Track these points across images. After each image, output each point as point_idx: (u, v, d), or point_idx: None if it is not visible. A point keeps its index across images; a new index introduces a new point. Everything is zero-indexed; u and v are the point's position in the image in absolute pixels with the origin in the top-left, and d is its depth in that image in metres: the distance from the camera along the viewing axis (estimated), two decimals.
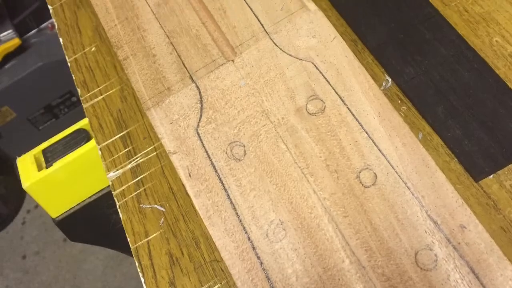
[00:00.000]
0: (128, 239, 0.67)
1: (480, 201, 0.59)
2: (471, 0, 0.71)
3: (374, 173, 0.60)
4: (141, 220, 0.67)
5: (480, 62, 0.67)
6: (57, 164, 0.95)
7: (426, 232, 0.57)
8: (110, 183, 0.70)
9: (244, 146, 0.64)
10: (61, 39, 0.84)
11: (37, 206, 2.39)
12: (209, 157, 0.65)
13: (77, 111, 2.12)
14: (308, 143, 0.63)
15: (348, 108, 0.64)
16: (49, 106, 2.03)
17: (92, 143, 0.96)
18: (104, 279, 2.17)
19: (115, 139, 0.73)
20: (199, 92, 0.68)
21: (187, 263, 0.64)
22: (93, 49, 0.81)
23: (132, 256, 0.67)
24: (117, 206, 0.69)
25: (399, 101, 0.66)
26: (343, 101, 0.64)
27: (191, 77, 0.70)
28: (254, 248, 0.59)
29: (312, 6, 0.72)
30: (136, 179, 0.69)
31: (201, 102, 0.68)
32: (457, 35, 0.69)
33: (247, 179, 0.62)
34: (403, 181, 0.59)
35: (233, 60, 0.70)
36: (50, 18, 1.50)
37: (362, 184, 0.60)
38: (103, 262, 2.21)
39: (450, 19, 0.71)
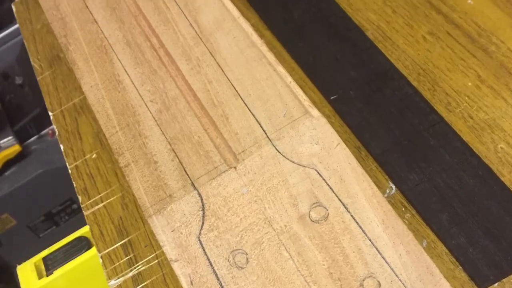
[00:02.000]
0: None
1: None
2: (476, 107, 0.74)
3: (378, 281, 0.61)
4: None
5: (484, 169, 0.68)
6: (58, 272, 0.96)
7: None
8: None
9: (247, 254, 0.66)
10: (61, 146, 0.85)
11: None
12: (211, 265, 0.66)
13: (78, 218, 2.12)
14: (311, 251, 0.64)
15: (352, 216, 0.66)
16: (50, 214, 2.04)
17: (93, 250, 0.97)
18: None
19: (116, 247, 0.74)
20: (201, 199, 0.70)
21: None
22: (94, 156, 0.83)
23: None
24: None
25: (403, 208, 0.68)
26: (346, 208, 0.66)
27: (193, 184, 0.72)
28: None
29: (315, 113, 0.74)
30: (138, 287, 0.71)
31: (203, 209, 0.69)
32: (462, 142, 0.71)
33: (250, 287, 0.64)
34: None
35: (235, 167, 0.72)
36: (51, 124, 1.53)
37: None
38: None
39: (455, 125, 0.72)
